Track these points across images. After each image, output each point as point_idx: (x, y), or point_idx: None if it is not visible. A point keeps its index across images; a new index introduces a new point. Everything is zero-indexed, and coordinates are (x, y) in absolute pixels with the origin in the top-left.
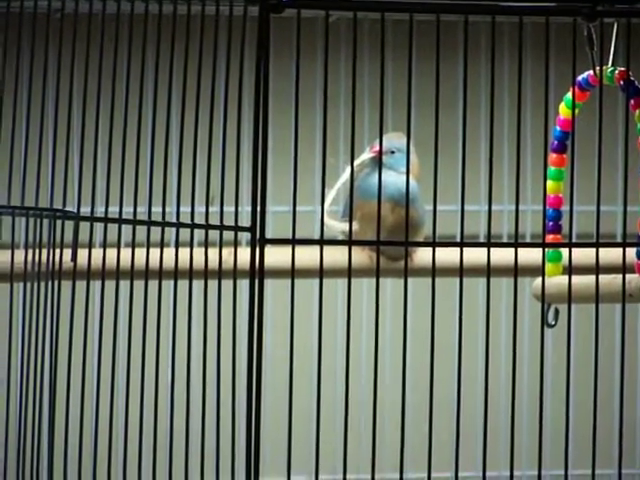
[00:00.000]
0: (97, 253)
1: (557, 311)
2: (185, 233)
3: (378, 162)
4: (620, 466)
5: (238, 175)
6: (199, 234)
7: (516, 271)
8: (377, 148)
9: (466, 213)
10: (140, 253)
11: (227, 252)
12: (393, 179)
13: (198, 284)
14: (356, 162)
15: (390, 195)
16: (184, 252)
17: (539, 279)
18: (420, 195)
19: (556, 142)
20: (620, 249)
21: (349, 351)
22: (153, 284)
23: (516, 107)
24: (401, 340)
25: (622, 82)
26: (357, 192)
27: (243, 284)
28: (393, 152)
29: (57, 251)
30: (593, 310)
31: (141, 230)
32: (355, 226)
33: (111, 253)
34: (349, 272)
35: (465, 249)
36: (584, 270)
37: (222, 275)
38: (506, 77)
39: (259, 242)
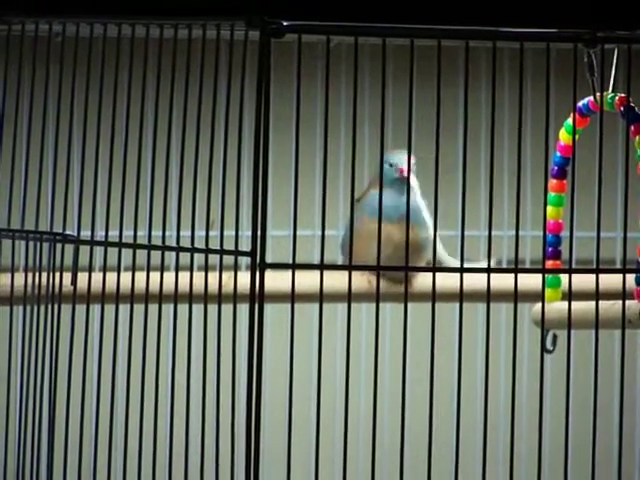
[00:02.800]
0: (97, 277)
1: (556, 337)
2: (185, 257)
3: (405, 183)
4: None
5: (238, 199)
6: (199, 258)
7: (516, 296)
8: (403, 168)
9: (466, 238)
10: (140, 277)
11: (227, 276)
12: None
13: (198, 308)
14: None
15: (403, 215)
16: (184, 276)
17: (539, 305)
18: (426, 218)
19: (556, 168)
20: (620, 275)
21: (348, 376)
22: (153, 308)
23: (516, 132)
24: (400, 365)
25: (622, 108)
26: (370, 210)
27: (243, 308)
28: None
29: (57, 274)
30: (592, 336)
31: (141, 254)
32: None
33: (111, 277)
34: (349, 297)
35: (465, 274)
36: (583, 296)
37: (222, 299)
38: (506, 102)
39: (259, 266)
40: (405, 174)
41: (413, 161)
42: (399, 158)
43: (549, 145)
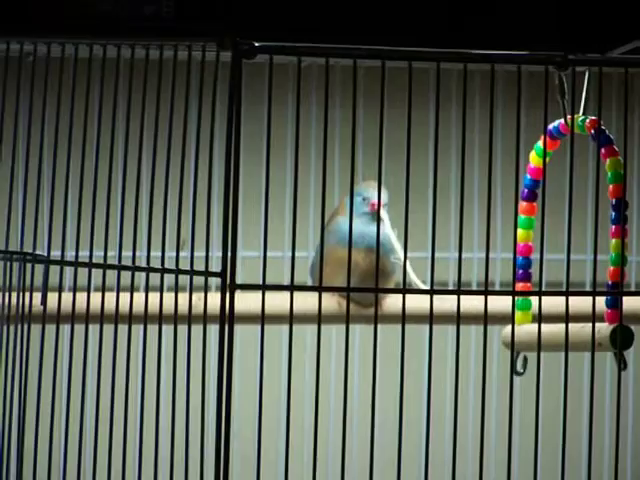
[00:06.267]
0: (67, 297)
1: (526, 359)
2: (155, 278)
3: (376, 215)
4: None
5: (209, 220)
6: (169, 279)
7: (486, 319)
8: (375, 203)
9: (436, 260)
10: (110, 297)
11: (197, 297)
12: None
13: (168, 329)
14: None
15: (371, 244)
16: (154, 297)
17: (508, 327)
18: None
19: (526, 190)
20: (589, 298)
21: (318, 398)
22: (123, 328)
23: (487, 154)
24: (369, 387)
25: (593, 131)
26: (336, 237)
27: (212, 329)
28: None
29: (27, 294)
30: (562, 358)
31: (111, 274)
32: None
33: (81, 297)
34: (319, 318)
35: (435, 296)
36: (553, 318)
37: (192, 320)
38: (477, 124)
39: (229, 287)
40: (378, 210)
41: (386, 196)
42: (372, 193)
43: (519, 167)
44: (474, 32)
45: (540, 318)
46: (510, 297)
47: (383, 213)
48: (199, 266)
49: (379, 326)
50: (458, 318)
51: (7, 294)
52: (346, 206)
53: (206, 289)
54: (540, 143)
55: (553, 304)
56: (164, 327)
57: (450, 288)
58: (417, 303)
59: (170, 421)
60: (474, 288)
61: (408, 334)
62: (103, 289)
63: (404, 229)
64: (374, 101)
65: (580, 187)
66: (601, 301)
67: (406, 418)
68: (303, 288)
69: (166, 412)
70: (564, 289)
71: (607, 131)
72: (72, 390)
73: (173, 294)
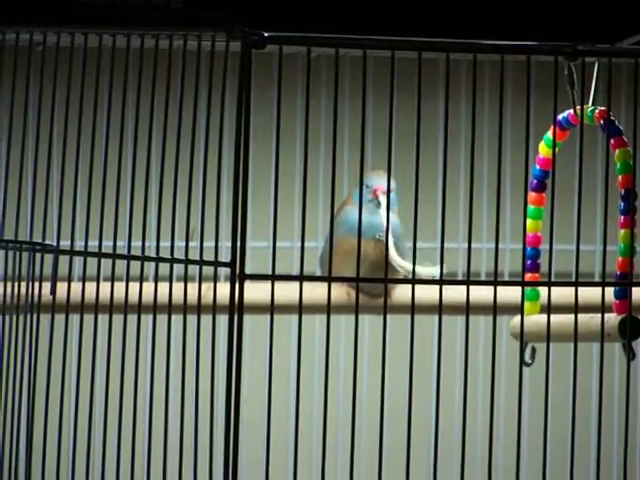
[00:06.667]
0: (76, 287)
1: (534, 350)
2: (164, 268)
3: (384, 203)
4: None
5: (218, 210)
6: (179, 269)
7: (495, 309)
8: (383, 189)
9: (445, 251)
10: (119, 287)
11: (206, 287)
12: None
13: (177, 319)
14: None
15: (377, 234)
16: (163, 286)
17: (517, 317)
18: (403, 234)
19: (535, 181)
20: (599, 288)
21: (327, 388)
22: (132, 318)
23: (496, 145)
24: (379, 377)
25: (602, 121)
26: (344, 228)
27: (222, 319)
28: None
29: (36, 284)
30: (571, 349)
31: (120, 264)
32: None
33: (90, 287)
34: (328, 308)
35: (444, 287)
36: (562, 309)
37: (201, 310)
38: (486, 115)
39: (239, 277)
40: (378, 195)
41: (393, 185)
42: (376, 180)
43: (529, 158)
44: (484, 22)
45: (549, 308)
46: (519, 287)
47: (382, 198)
48: (208, 256)
49: (388, 316)
50: (467, 308)
51: (17, 284)
52: (353, 196)
53: (215, 279)
54: (549, 134)
55: (562, 294)
56: (173, 317)
57: (459, 278)
58: (426, 293)
59: (179, 411)
60: (483, 278)
61: (417, 324)
62: (112, 279)
63: (414, 220)
64: (383, 92)
65: (589, 178)
66: (610, 292)
67: (415, 408)
68: (312, 278)
69: (175, 402)
70: (573, 280)
71: (616, 122)
72: (81, 380)
73: (182, 284)
